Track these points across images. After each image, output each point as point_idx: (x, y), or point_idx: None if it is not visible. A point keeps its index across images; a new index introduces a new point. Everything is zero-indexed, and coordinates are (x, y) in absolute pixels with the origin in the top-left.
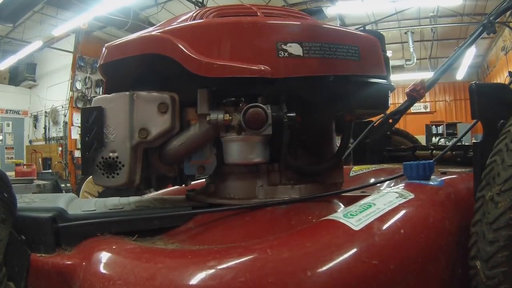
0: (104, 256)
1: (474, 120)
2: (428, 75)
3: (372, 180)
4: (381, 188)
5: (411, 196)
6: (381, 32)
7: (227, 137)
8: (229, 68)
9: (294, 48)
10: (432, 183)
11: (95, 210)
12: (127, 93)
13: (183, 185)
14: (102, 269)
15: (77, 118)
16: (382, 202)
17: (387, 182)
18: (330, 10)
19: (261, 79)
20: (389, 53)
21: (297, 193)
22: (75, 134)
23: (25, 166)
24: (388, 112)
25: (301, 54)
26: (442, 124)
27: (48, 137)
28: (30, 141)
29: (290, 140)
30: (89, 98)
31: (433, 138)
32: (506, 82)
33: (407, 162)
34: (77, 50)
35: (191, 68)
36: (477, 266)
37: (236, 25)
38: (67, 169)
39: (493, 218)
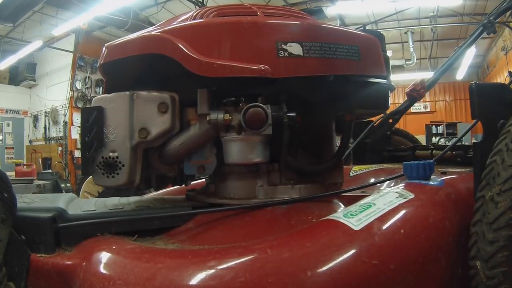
0: (104, 256)
1: (474, 120)
2: (428, 75)
3: (372, 180)
4: (381, 188)
5: (411, 196)
6: (381, 32)
7: (227, 137)
8: (229, 68)
9: (294, 48)
10: (432, 183)
11: (95, 210)
12: (127, 93)
13: (183, 185)
14: (102, 269)
15: (77, 118)
16: (382, 202)
17: (387, 182)
18: (330, 10)
19: (261, 79)
20: (389, 53)
21: (297, 193)
22: (75, 134)
23: (25, 166)
24: (388, 112)
25: (301, 54)
26: (442, 124)
27: (48, 137)
28: (30, 141)
29: (290, 140)
30: (89, 98)
31: (433, 138)
32: (506, 82)
33: (407, 162)
34: (77, 50)
35: (191, 68)
36: (477, 266)
37: (236, 25)
38: (67, 169)
39: (493, 218)
